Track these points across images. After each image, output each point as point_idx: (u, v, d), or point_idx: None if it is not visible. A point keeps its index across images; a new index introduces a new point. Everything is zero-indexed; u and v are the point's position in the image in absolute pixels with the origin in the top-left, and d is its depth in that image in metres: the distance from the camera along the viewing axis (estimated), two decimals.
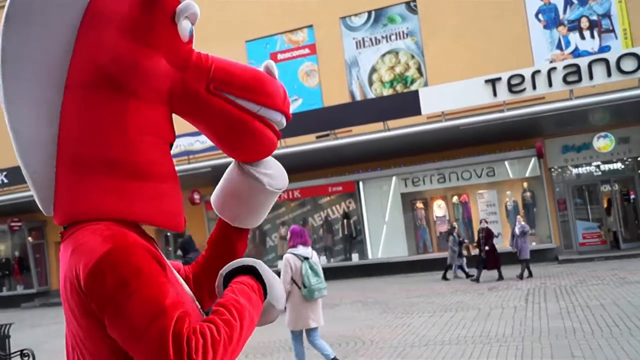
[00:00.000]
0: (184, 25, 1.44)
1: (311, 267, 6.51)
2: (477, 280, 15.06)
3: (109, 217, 1.33)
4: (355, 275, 20.16)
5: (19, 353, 7.30)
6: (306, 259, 6.56)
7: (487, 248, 15.19)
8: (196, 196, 21.42)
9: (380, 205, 20.80)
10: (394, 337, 8.72)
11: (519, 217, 16.01)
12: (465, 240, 17.54)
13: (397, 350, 7.71)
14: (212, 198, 1.69)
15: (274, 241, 22.23)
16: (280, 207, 22.18)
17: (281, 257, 20.89)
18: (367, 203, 20.83)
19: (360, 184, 20.81)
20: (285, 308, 1.37)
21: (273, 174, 1.62)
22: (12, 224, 24.52)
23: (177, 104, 1.47)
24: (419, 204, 20.62)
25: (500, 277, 15.04)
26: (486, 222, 16.18)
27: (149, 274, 1.22)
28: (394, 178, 20.51)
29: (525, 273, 14.72)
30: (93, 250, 1.23)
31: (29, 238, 26.04)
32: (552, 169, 19.29)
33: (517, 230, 15.06)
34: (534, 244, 18.84)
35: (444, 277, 16.49)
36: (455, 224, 18.05)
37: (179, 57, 1.44)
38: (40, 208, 1.46)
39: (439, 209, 20.40)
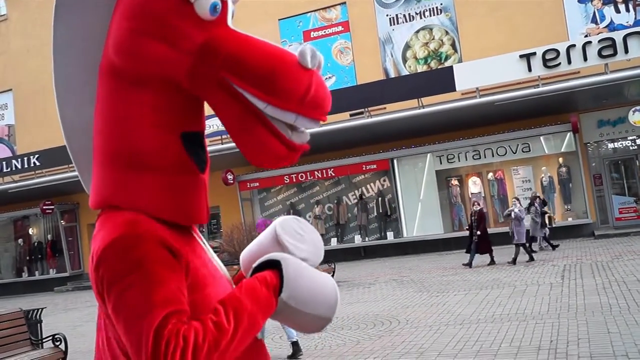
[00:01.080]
0: (202, 2, 1.31)
1: None
2: (469, 265, 14.43)
3: (119, 206, 1.36)
4: (391, 253, 20.34)
5: (51, 338, 7.27)
6: None
7: (478, 233, 14.61)
8: (229, 176, 21.67)
9: (415, 182, 20.86)
10: (429, 316, 8.89)
11: (514, 199, 15.25)
12: (548, 211, 16.79)
13: (433, 329, 7.87)
14: (242, 257, 1.61)
15: (308, 220, 22.52)
16: (315, 186, 22.44)
17: None
18: (402, 181, 20.92)
19: (395, 161, 20.88)
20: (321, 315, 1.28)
21: (308, 251, 1.53)
22: (45, 207, 24.24)
23: (192, 91, 1.36)
24: (454, 181, 20.61)
25: (492, 262, 14.42)
26: (478, 204, 15.58)
27: (150, 266, 1.23)
28: (428, 155, 20.52)
29: (526, 257, 14.10)
30: (105, 236, 1.28)
31: (62, 221, 25.89)
32: (588, 144, 19.07)
33: (513, 215, 14.31)
34: (570, 219, 18.73)
35: (531, 251, 15.49)
36: (538, 193, 17.20)
37: (188, 41, 1.32)
38: (87, 191, 1.53)
39: (474, 185, 20.36)
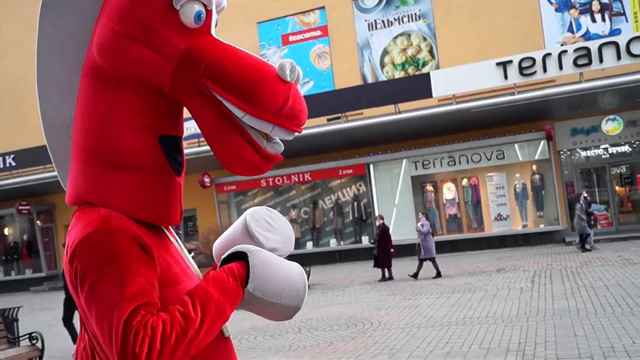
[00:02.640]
0: (187, 10, 1.34)
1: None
2: (384, 279, 14.07)
3: (94, 204, 1.39)
4: (365, 258, 20.37)
5: (27, 336, 7.38)
6: None
7: (376, 246, 14.46)
8: (206, 179, 21.63)
9: (390, 188, 20.99)
10: (402, 318, 8.96)
11: (420, 215, 14.89)
12: (595, 212, 16.46)
13: (405, 331, 7.94)
14: (215, 246, 1.65)
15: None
16: (291, 190, 22.44)
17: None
18: (378, 186, 21.03)
19: (371, 166, 21.00)
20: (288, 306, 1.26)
21: (277, 241, 1.58)
22: (21, 207, 24.18)
23: (172, 96, 1.40)
24: (429, 187, 20.79)
25: (390, 278, 14.04)
26: (382, 218, 15.29)
27: (122, 260, 1.26)
28: (404, 161, 20.67)
29: (432, 272, 13.49)
30: (79, 230, 1.32)
31: (38, 222, 25.70)
32: (561, 152, 19.41)
33: (419, 228, 13.90)
34: (542, 226, 19.01)
35: (583, 248, 15.39)
36: (584, 192, 16.82)
37: (171, 47, 1.35)
38: (64, 188, 1.58)
39: (449, 191, 20.55)
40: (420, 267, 13.76)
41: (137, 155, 1.39)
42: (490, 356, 6.15)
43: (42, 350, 7.31)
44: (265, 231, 1.56)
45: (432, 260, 13.71)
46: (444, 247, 19.44)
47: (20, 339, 7.64)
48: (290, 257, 1.58)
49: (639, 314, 7.26)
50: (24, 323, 8.66)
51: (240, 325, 9.56)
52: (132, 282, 1.25)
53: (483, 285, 11.38)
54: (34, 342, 7.34)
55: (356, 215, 21.09)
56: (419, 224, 14.17)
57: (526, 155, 19.50)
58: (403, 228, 20.58)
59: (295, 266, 1.51)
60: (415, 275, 13.66)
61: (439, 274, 13.45)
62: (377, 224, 15.07)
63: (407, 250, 19.97)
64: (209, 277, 1.38)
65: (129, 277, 1.25)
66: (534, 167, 19.60)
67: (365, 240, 20.84)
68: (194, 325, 1.26)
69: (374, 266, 14.45)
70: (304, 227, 22.11)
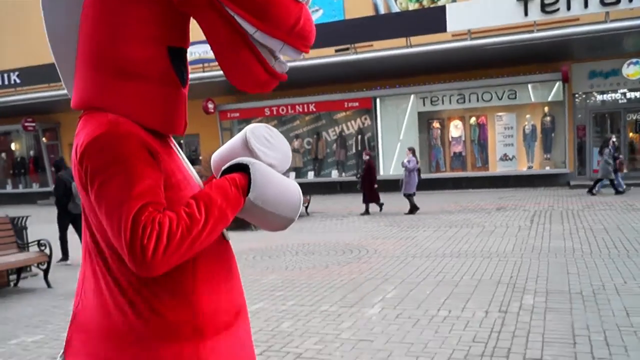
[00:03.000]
0: None
1: None
2: (367, 213, 14.10)
3: (102, 108, 1.43)
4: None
5: (36, 243, 7.80)
6: None
7: (360, 181, 14.49)
8: (210, 105, 21.49)
9: (396, 123, 20.75)
10: (398, 248, 9.01)
11: (407, 151, 14.51)
12: (620, 156, 16.06)
13: (399, 260, 7.99)
14: (213, 158, 1.71)
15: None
16: (295, 120, 22.29)
17: (293, 170, 21.21)
18: (383, 120, 20.80)
19: (377, 100, 20.70)
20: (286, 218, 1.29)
21: (275, 157, 1.62)
22: (26, 123, 24.59)
23: (182, 8, 1.43)
24: (436, 124, 20.54)
25: (367, 212, 14.07)
26: (368, 154, 15.05)
27: (130, 161, 1.33)
28: (412, 96, 20.33)
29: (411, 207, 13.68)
30: (89, 132, 1.37)
31: (43, 139, 26.13)
32: (576, 95, 18.97)
33: (406, 164, 13.87)
34: (547, 168, 18.87)
35: (590, 191, 15.36)
36: (613, 137, 16.38)
37: None
38: (68, 95, 1.59)
39: (456, 129, 20.32)
40: (411, 202, 13.77)
41: (145, 64, 1.43)
42: (480, 286, 6.18)
43: (49, 257, 7.74)
44: (264, 147, 1.61)
45: (411, 195, 13.75)
46: (447, 184, 19.43)
47: (30, 245, 8.02)
48: None
49: (634, 257, 7.25)
50: (32, 232, 8.88)
51: (240, 246, 9.65)
52: (140, 183, 1.32)
53: (481, 222, 11.39)
54: (42, 248, 7.79)
55: (359, 148, 20.96)
56: (405, 160, 14.10)
57: (539, 96, 19.09)
58: None
59: (292, 182, 1.61)
60: (411, 212, 13.65)
61: (411, 211, 13.58)
62: (364, 158, 14.86)
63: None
64: (212, 184, 1.47)
65: (137, 178, 1.32)
66: (546, 109, 19.23)
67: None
68: (198, 225, 1.34)
69: (363, 201, 14.35)
70: (306, 157, 22.09)
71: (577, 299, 5.47)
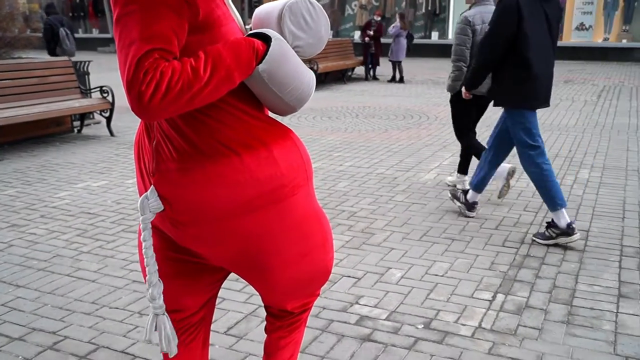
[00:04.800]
0: None
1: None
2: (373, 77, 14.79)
3: None
4: (433, 54, 19.96)
5: (99, 89, 7.80)
6: None
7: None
8: None
9: None
10: None
11: (398, 14, 14.64)
12: None
13: None
14: (255, 13, 1.64)
15: (353, 10, 21.77)
16: None
17: (358, 28, 20.74)
18: None
19: None
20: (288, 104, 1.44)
21: (306, 41, 1.58)
22: None
23: None
24: None
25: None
26: (381, 15, 15.06)
27: (149, 2, 1.29)
28: None
29: (399, 76, 13.92)
30: None
31: None
32: None
33: (390, 32, 13.87)
34: (624, 41, 17.84)
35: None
36: None
37: None
38: None
39: None
40: (394, 69, 13.91)
41: None
42: None
43: (112, 104, 7.75)
44: (298, 29, 1.54)
45: (397, 63, 13.79)
46: None
47: (92, 91, 8.00)
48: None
49: None
50: (93, 80, 9.02)
51: None
52: (156, 25, 1.29)
53: None
54: (104, 95, 7.74)
55: (429, 8, 20.15)
56: (391, 27, 13.92)
57: None
58: None
59: (309, 73, 1.57)
60: (394, 79, 13.92)
61: (393, 79, 13.86)
62: (377, 19, 14.85)
63: None
64: (229, 41, 1.42)
65: (152, 20, 1.29)
66: None
67: (435, 36, 20.20)
68: (200, 83, 1.33)
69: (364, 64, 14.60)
70: (372, 15, 21.43)
71: (632, 175, 5.53)
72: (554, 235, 3.81)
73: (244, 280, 3.36)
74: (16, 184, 5.56)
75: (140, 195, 1.56)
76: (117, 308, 3.06)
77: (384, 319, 2.90)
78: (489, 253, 3.73)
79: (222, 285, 2.76)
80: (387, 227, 4.25)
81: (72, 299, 3.18)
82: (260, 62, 1.44)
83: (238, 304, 3.09)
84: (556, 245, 3.81)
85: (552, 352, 2.57)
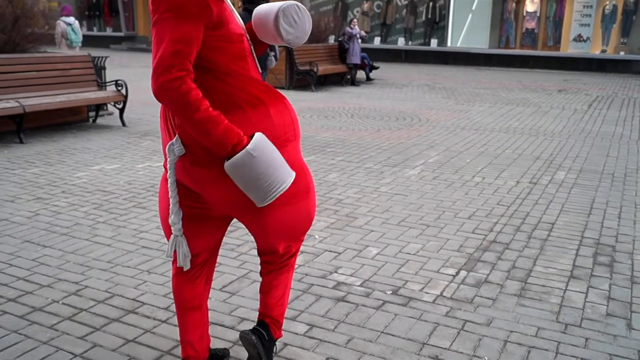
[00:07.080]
0: None
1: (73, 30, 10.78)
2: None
3: None
4: (431, 61, 20.34)
5: (114, 83, 8.38)
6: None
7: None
8: None
9: None
10: (449, 119, 9.40)
11: (354, 18, 15.29)
12: None
13: (448, 130, 8.42)
14: (255, 12, 2.04)
15: (355, 16, 22.17)
16: None
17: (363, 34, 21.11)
18: None
19: None
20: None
21: (295, 35, 1.98)
22: None
23: None
24: None
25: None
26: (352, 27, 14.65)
27: (181, 11, 1.71)
28: None
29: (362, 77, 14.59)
30: None
31: None
32: None
33: (349, 33, 14.18)
34: (622, 53, 18.19)
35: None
36: None
37: None
38: None
39: (532, 4, 19.54)
40: (354, 72, 14.35)
41: None
42: (519, 160, 6.63)
43: (125, 97, 8.35)
44: (289, 26, 1.95)
45: (354, 66, 14.29)
46: (514, 62, 19.13)
47: (107, 84, 8.56)
48: None
49: None
50: (108, 74, 9.41)
51: (299, 105, 10.27)
52: (181, 28, 1.71)
53: (539, 102, 11.52)
54: (119, 88, 8.36)
55: (429, 16, 20.57)
56: (349, 28, 14.29)
57: None
58: (475, 36, 20.12)
59: (283, 180, 1.88)
60: (351, 82, 14.37)
61: (353, 83, 14.32)
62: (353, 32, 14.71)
63: (472, 59, 19.79)
64: (230, 129, 1.80)
65: (179, 25, 1.71)
66: None
67: (434, 43, 20.59)
68: (191, 118, 1.75)
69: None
70: (375, 21, 21.86)
71: (606, 178, 5.87)
72: None
73: (238, 249, 3.73)
74: (39, 164, 6.04)
75: (165, 146, 1.96)
76: (128, 267, 3.51)
77: (358, 285, 3.28)
78: (459, 238, 4.08)
79: (220, 253, 3.13)
80: (369, 213, 4.60)
81: (91, 258, 3.64)
82: (230, 158, 1.80)
83: (233, 268, 3.52)
84: (521, 232, 4.15)
85: (501, 317, 2.92)
